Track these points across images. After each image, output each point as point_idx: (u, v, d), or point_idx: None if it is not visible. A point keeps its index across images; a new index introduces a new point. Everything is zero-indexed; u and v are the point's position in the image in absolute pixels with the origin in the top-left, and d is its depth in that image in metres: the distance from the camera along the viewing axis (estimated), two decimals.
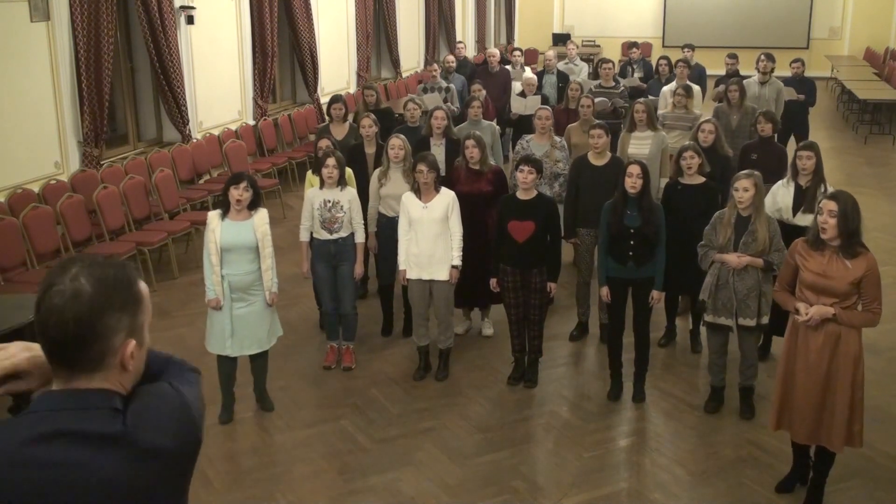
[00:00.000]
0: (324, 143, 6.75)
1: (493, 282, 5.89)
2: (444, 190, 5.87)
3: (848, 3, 20.77)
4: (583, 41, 20.52)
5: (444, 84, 10.68)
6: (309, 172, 6.74)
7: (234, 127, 10.57)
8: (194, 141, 9.67)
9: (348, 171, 6.22)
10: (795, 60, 10.73)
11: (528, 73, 11.57)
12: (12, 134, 7.29)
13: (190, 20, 9.48)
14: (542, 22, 22.48)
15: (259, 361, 5.53)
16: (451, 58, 12.23)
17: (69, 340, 1.58)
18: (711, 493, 4.74)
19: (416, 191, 5.83)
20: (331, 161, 5.89)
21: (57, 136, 7.80)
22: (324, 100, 11.44)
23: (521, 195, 5.71)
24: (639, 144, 7.28)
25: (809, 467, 4.61)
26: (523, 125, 9.36)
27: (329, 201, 5.93)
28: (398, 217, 6.00)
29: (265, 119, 11.17)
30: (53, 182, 7.65)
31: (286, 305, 6.88)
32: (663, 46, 20.09)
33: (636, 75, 12.13)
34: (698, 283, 5.48)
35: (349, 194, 5.99)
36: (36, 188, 7.49)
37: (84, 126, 7.94)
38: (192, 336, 6.40)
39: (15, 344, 1.75)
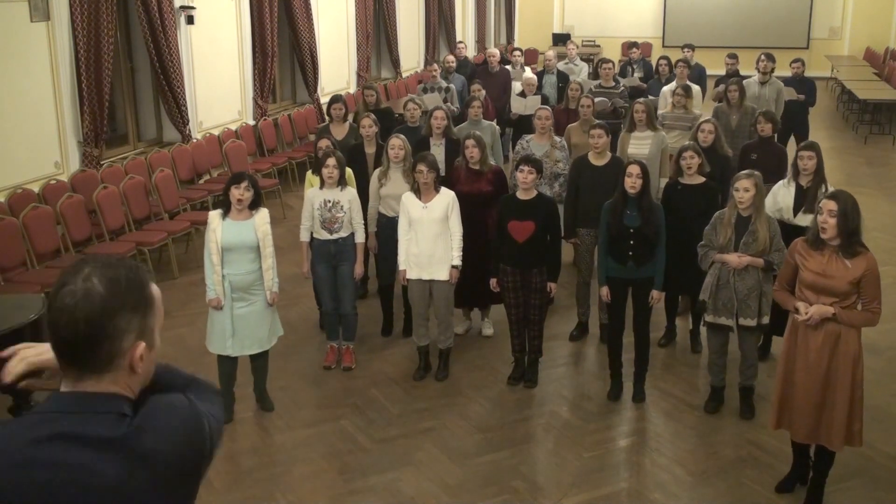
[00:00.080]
0: (324, 143, 6.75)
1: (493, 282, 5.89)
2: (443, 190, 5.87)
3: (848, 3, 20.77)
4: (583, 41, 20.52)
5: (443, 84, 10.68)
6: (309, 172, 6.74)
7: (234, 127, 10.57)
8: (194, 141, 9.67)
9: (348, 171, 6.22)
10: (795, 60, 10.74)
11: (528, 73, 11.57)
12: (12, 134, 7.29)
13: (190, 20, 9.48)
14: (542, 22, 22.48)
15: (259, 361, 5.53)
16: (451, 58, 12.23)
17: (79, 340, 1.58)
18: (711, 493, 4.74)
19: (416, 191, 5.83)
20: (331, 161, 5.89)
21: (57, 136, 7.80)
22: (324, 100, 11.44)
23: (521, 195, 5.71)
24: (638, 144, 7.28)
25: (809, 467, 4.61)
26: (523, 125, 9.36)
27: (329, 201, 5.94)
28: (398, 217, 6.00)
29: (265, 119, 11.17)
30: (53, 182, 7.65)
31: (286, 305, 6.88)
32: (663, 46, 20.09)
33: (636, 75, 12.13)
34: (698, 283, 5.48)
35: (349, 194, 5.99)
36: (36, 188, 7.49)
37: (84, 126, 7.94)
38: (192, 336, 6.40)
39: (46, 344, 1.76)
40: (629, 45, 14.57)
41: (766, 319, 5.28)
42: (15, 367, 1.74)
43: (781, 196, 5.95)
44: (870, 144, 13.98)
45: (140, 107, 9.52)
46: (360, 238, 6.07)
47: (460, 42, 14.77)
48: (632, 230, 5.49)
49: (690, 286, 5.96)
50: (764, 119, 7.27)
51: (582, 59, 13.24)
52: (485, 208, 6.24)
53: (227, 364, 5.42)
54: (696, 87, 9.41)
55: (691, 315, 6.59)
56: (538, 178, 5.78)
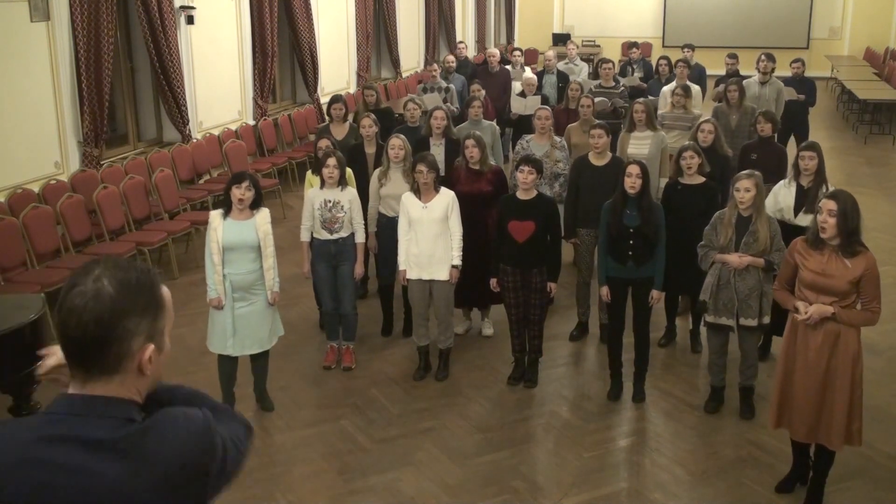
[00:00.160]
0: (324, 143, 6.75)
1: (493, 282, 5.89)
2: (443, 190, 5.87)
3: (848, 3, 20.77)
4: (583, 41, 20.53)
5: (443, 84, 10.68)
6: (309, 172, 6.74)
7: (234, 127, 10.57)
8: (194, 141, 9.67)
9: (348, 171, 6.22)
10: (795, 60, 10.74)
11: (528, 73, 11.57)
12: (12, 134, 7.29)
13: (190, 20, 9.48)
14: (542, 22, 22.48)
15: (260, 361, 5.54)
16: (451, 58, 12.23)
17: (88, 341, 1.58)
18: (711, 493, 4.74)
19: (416, 191, 5.83)
20: (331, 161, 5.90)
21: (57, 136, 7.80)
22: (324, 100, 11.44)
23: (521, 195, 5.71)
24: (638, 144, 7.28)
25: (809, 467, 4.62)
26: (523, 125, 9.36)
27: (329, 201, 5.94)
28: (398, 217, 6.00)
29: (265, 119, 11.17)
30: (53, 182, 7.64)
31: (286, 305, 6.88)
32: (663, 46, 20.09)
33: (636, 75, 12.13)
34: (698, 283, 5.48)
35: (349, 194, 5.99)
36: (36, 188, 7.49)
37: (84, 126, 7.94)
38: (192, 336, 6.40)
39: None
40: (629, 45, 14.57)
41: (766, 319, 5.28)
42: (47, 361, 1.74)
43: (782, 196, 5.95)
44: (870, 144, 13.98)
45: (140, 107, 9.52)
46: (360, 238, 6.07)
47: (461, 42, 14.77)
48: (631, 230, 5.49)
49: (690, 286, 5.96)
50: (764, 119, 7.28)
51: (582, 59, 13.24)
52: (485, 208, 6.24)
53: (228, 364, 5.43)
54: (695, 87, 9.41)
55: (691, 315, 6.60)
56: (538, 179, 5.78)
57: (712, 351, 5.57)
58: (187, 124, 9.45)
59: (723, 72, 11.50)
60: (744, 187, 5.14)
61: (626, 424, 5.50)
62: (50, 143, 7.74)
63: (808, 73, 11.17)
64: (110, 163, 8.51)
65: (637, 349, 5.71)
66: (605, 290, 5.66)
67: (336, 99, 7.94)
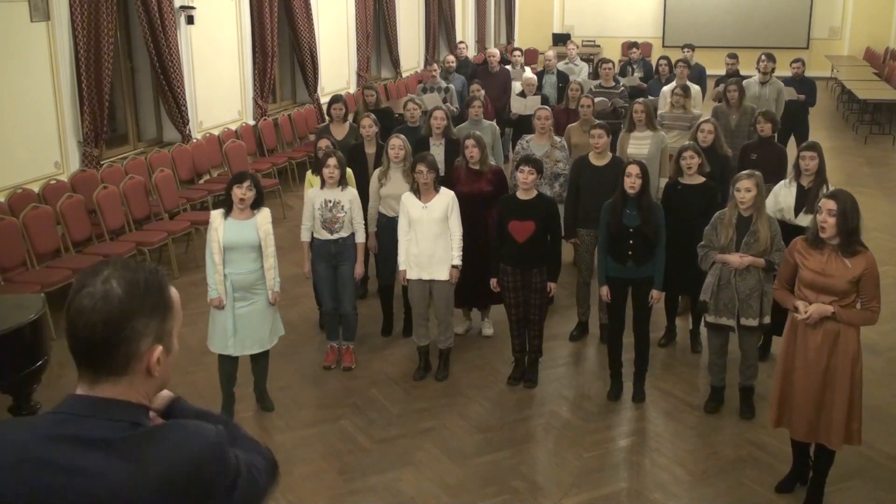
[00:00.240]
0: (323, 143, 6.76)
1: (493, 282, 5.89)
2: (443, 190, 5.87)
3: (848, 3, 20.77)
4: (583, 41, 20.52)
5: (443, 84, 10.68)
6: (308, 172, 6.75)
7: (234, 127, 10.57)
8: (194, 141, 9.67)
9: (348, 171, 6.22)
10: (796, 60, 10.74)
11: (528, 73, 11.57)
12: (12, 134, 7.29)
13: (190, 20, 9.48)
14: (542, 22, 22.48)
15: (260, 361, 5.54)
16: (451, 58, 12.23)
17: (97, 342, 1.58)
18: (711, 493, 4.74)
19: (416, 191, 5.83)
20: (332, 161, 5.90)
21: (57, 136, 7.80)
22: (324, 100, 11.44)
23: (521, 195, 5.71)
24: (638, 144, 7.28)
25: (809, 467, 4.62)
26: (523, 125, 9.36)
27: (330, 201, 5.94)
28: (398, 217, 6.00)
29: (265, 119, 11.17)
30: (53, 182, 7.65)
31: (286, 305, 6.88)
32: (663, 46, 20.09)
33: (636, 75, 12.13)
34: (698, 283, 5.48)
35: (350, 194, 5.99)
36: (36, 188, 7.49)
37: (84, 126, 7.94)
38: (192, 336, 6.40)
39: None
40: (629, 45, 14.57)
41: (767, 319, 5.28)
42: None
43: (783, 196, 5.95)
44: (870, 144, 13.98)
45: (140, 107, 9.52)
46: (360, 238, 6.07)
47: (461, 42, 14.77)
48: (631, 230, 5.49)
49: (690, 286, 5.97)
50: (763, 119, 7.28)
51: (582, 59, 13.24)
52: (485, 208, 6.24)
53: (228, 364, 5.43)
54: (695, 87, 9.41)
55: (691, 315, 6.60)
56: (538, 179, 5.78)
57: (712, 351, 5.57)
58: (187, 124, 9.45)
59: (723, 72, 11.50)
60: (744, 187, 5.14)
61: (626, 424, 5.50)
62: (50, 143, 7.74)
63: (808, 73, 11.17)
64: (110, 163, 8.51)
65: (637, 349, 5.71)
66: (604, 290, 5.66)
67: (336, 99, 7.94)
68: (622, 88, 10.17)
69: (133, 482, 1.53)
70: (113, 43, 8.20)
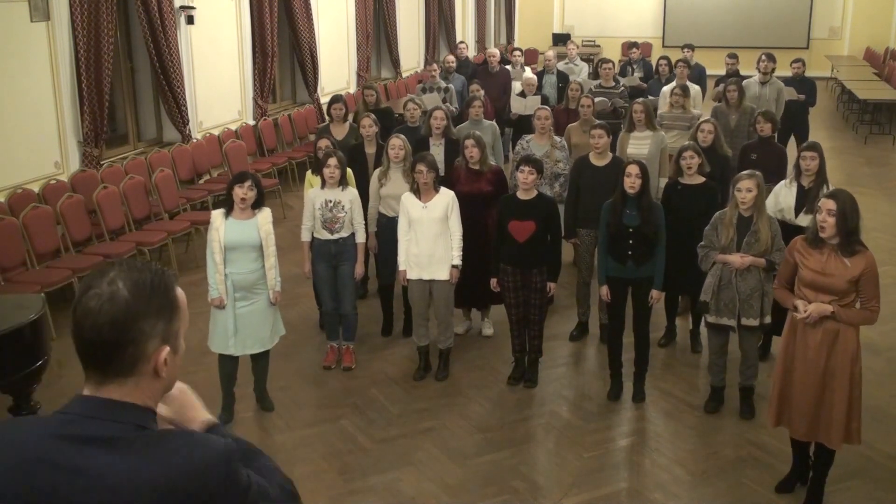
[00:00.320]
0: (323, 143, 6.76)
1: (493, 282, 5.89)
2: (443, 190, 5.87)
3: (848, 3, 20.77)
4: (583, 41, 20.52)
5: (442, 84, 10.68)
6: (308, 172, 6.75)
7: (234, 127, 10.57)
8: (194, 141, 9.67)
9: (348, 171, 6.22)
10: (796, 60, 10.74)
11: (528, 73, 11.57)
12: (12, 134, 7.29)
13: (190, 20, 9.48)
14: (542, 22, 22.48)
15: (261, 361, 5.54)
16: (451, 58, 12.23)
17: (103, 343, 1.57)
18: (711, 493, 4.74)
19: (416, 191, 5.83)
20: (332, 161, 5.90)
21: (57, 136, 7.80)
22: (324, 100, 11.44)
23: (521, 195, 5.71)
24: (638, 144, 7.29)
25: (809, 467, 4.62)
26: (523, 125, 9.35)
27: (330, 201, 5.94)
28: (398, 217, 6.00)
29: (265, 119, 11.17)
30: (53, 182, 7.65)
31: (286, 305, 6.88)
32: (663, 46, 20.08)
33: (636, 75, 12.13)
34: (698, 282, 5.48)
35: (350, 194, 5.99)
36: (36, 188, 7.49)
37: (84, 126, 7.94)
38: (192, 336, 6.37)
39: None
40: (629, 45, 14.57)
41: (768, 319, 5.29)
42: (160, 410, 1.73)
43: (783, 196, 5.95)
44: (870, 144, 13.98)
45: (140, 107, 9.52)
46: (360, 238, 6.07)
47: (461, 42, 14.77)
48: (631, 230, 5.49)
49: (690, 286, 5.97)
50: (763, 119, 7.28)
51: (582, 59, 13.24)
52: (485, 208, 6.24)
53: (228, 364, 5.43)
54: (695, 87, 9.42)
55: (691, 315, 6.60)
56: (538, 179, 5.78)
57: (712, 351, 5.57)
58: (187, 124, 9.45)
59: (723, 72, 11.50)
60: (745, 187, 5.14)
61: (626, 424, 5.50)
62: (50, 143, 7.74)
63: (808, 73, 11.17)
64: (110, 163, 8.51)
65: (637, 349, 5.71)
66: (604, 290, 5.66)
67: (336, 99, 7.94)
68: (622, 88, 10.17)
69: (133, 485, 1.53)
70: (113, 43, 8.20)
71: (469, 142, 6.29)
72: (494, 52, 12.32)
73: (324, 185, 5.99)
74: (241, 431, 5.38)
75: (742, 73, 11.05)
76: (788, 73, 10.67)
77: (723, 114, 8.44)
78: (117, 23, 8.50)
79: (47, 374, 5.20)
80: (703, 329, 6.17)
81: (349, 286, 6.10)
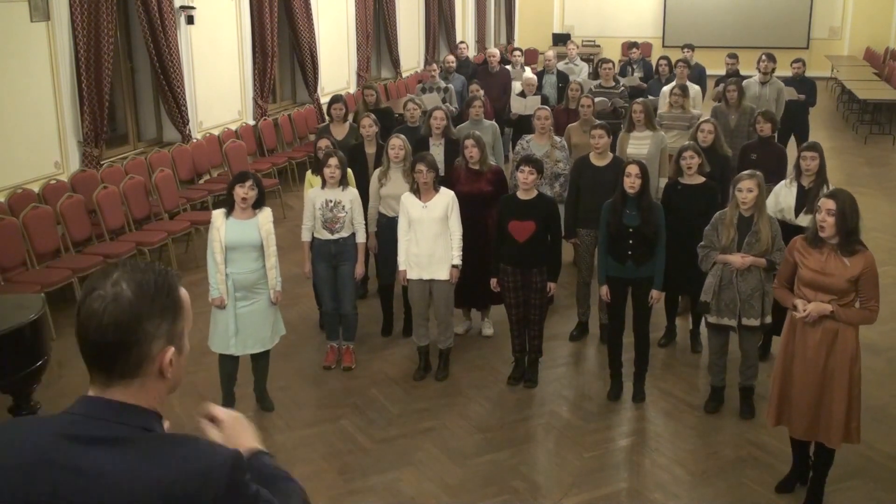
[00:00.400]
0: (323, 143, 6.76)
1: (493, 282, 5.89)
2: (443, 189, 5.88)
3: (848, 3, 20.77)
4: (583, 41, 20.51)
5: (442, 84, 10.68)
6: (308, 172, 6.75)
7: (234, 127, 10.57)
8: (194, 141, 9.67)
9: (348, 170, 6.22)
10: (796, 60, 10.74)
11: (528, 73, 11.57)
12: (12, 134, 7.29)
13: (190, 20, 9.48)
14: (542, 22, 22.48)
15: (261, 361, 5.54)
16: (451, 58, 12.23)
17: (108, 345, 1.57)
18: (711, 493, 4.74)
19: (416, 191, 5.84)
20: (333, 161, 5.90)
21: (57, 136, 7.80)
22: (324, 100, 11.44)
23: (521, 195, 5.71)
24: (637, 144, 7.29)
25: (809, 466, 4.62)
26: (523, 125, 9.35)
27: (331, 201, 5.94)
28: (398, 217, 6.00)
29: (265, 119, 11.17)
30: (53, 182, 7.64)
31: (286, 305, 6.87)
32: (663, 46, 20.08)
33: (636, 75, 12.13)
34: (698, 283, 5.48)
35: (351, 194, 5.99)
36: (36, 188, 7.49)
37: (84, 126, 7.94)
38: (192, 336, 6.30)
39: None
40: (629, 45, 14.57)
41: (768, 319, 5.29)
42: (208, 428, 1.77)
43: (783, 196, 5.95)
44: (870, 144, 13.98)
45: (140, 107, 9.52)
46: (360, 238, 6.07)
47: (461, 42, 14.77)
48: (631, 230, 5.49)
49: (690, 286, 5.97)
50: (763, 119, 7.28)
51: (582, 59, 13.24)
52: (484, 208, 6.24)
53: (229, 364, 5.43)
54: (695, 87, 9.42)
55: (691, 315, 6.60)
56: (539, 179, 5.78)
57: (713, 351, 5.57)
58: (187, 124, 9.45)
59: (723, 72, 11.50)
60: (746, 187, 5.14)
61: (626, 424, 5.50)
62: (50, 143, 7.74)
63: (809, 73, 11.17)
64: (110, 163, 8.51)
65: (637, 349, 5.71)
66: (604, 290, 5.66)
67: (336, 99, 7.94)
68: (622, 88, 10.17)
69: (133, 486, 1.52)
70: (113, 43, 8.20)
71: (469, 142, 6.29)
72: (494, 52, 12.32)
73: (324, 185, 5.99)
74: None
75: (742, 73, 11.05)
76: (788, 73, 10.67)
77: (722, 114, 8.44)
78: (117, 23, 8.50)
79: (47, 374, 5.20)
80: (703, 329, 6.17)
81: (349, 286, 6.10)
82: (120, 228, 7.91)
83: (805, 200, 5.81)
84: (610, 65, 10.35)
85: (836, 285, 4.24)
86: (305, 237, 6.13)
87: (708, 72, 11.85)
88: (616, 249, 5.56)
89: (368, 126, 6.97)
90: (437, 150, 6.92)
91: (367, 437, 5.30)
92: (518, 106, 9.99)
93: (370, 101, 8.90)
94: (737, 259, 5.20)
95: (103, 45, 7.99)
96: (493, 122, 8.16)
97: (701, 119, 7.36)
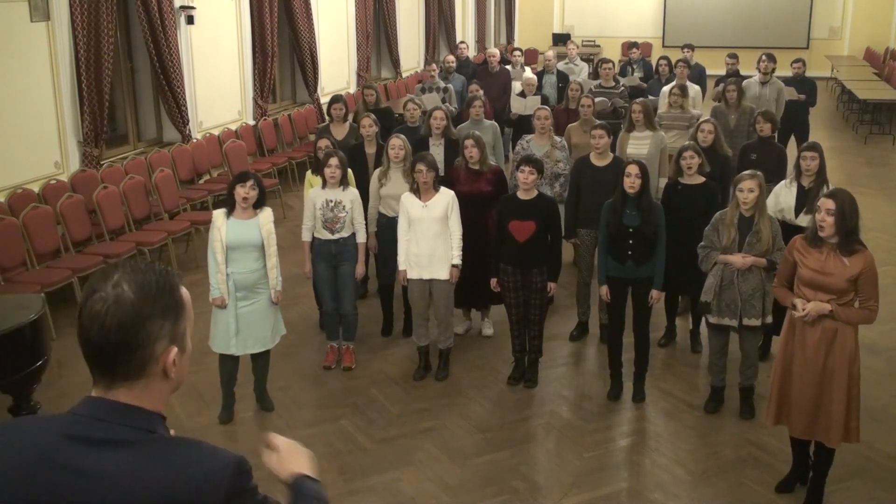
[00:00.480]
0: (323, 143, 6.76)
1: (493, 282, 5.89)
2: (443, 189, 5.88)
3: (848, 3, 20.77)
4: (583, 41, 20.51)
5: (441, 84, 10.68)
6: (308, 172, 6.75)
7: (234, 127, 10.57)
8: (194, 141, 9.67)
9: (349, 171, 6.22)
10: (796, 60, 10.74)
11: (528, 73, 11.57)
12: (12, 134, 7.29)
13: (190, 20, 9.48)
14: (542, 22, 22.48)
15: (261, 361, 5.54)
16: (451, 58, 12.23)
17: (112, 347, 1.57)
18: (711, 493, 4.74)
19: (416, 191, 5.84)
20: (334, 161, 5.90)
21: (57, 136, 7.80)
22: (324, 100, 11.44)
23: (521, 195, 5.71)
24: (637, 144, 7.29)
25: (809, 466, 4.62)
26: (523, 125, 9.35)
27: (331, 201, 5.94)
28: (398, 217, 6.00)
29: (265, 119, 11.17)
30: (53, 182, 7.64)
31: (286, 305, 6.86)
32: (663, 46, 20.08)
33: (636, 75, 12.13)
34: (698, 282, 5.48)
35: (351, 194, 6.00)
36: (36, 188, 7.49)
37: (84, 126, 7.94)
38: (192, 336, 6.40)
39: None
40: (629, 45, 14.57)
41: (769, 319, 5.29)
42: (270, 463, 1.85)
43: (783, 196, 5.95)
44: (870, 144, 13.98)
45: (140, 107, 9.52)
46: (361, 238, 6.07)
47: (462, 42, 14.77)
48: (631, 229, 5.49)
49: (690, 286, 5.97)
50: (763, 119, 7.28)
51: (582, 59, 13.23)
52: (484, 208, 6.24)
53: (229, 364, 5.43)
54: (695, 87, 9.42)
55: (691, 315, 6.60)
56: (539, 179, 5.78)
57: (713, 351, 5.57)
58: (187, 124, 9.45)
59: (723, 72, 11.50)
60: (747, 188, 5.14)
61: (626, 424, 5.50)
62: (50, 143, 7.74)
63: (809, 73, 11.16)
64: (110, 163, 8.51)
65: (637, 349, 5.71)
66: (604, 290, 5.66)
67: (336, 99, 7.94)
68: (622, 88, 10.17)
69: (134, 488, 1.52)
70: (113, 43, 8.20)
71: (469, 142, 6.29)
72: (494, 52, 12.32)
73: (324, 185, 5.99)
74: (241, 431, 5.39)
75: (742, 73, 11.05)
76: (789, 73, 10.66)
77: (722, 114, 8.44)
78: (117, 23, 8.50)
79: (47, 374, 5.20)
80: (703, 329, 6.17)
81: (349, 286, 6.10)
82: (120, 228, 7.91)
83: (805, 200, 5.81)
84: (610, 65, 10.34)
85: (836, 285, 4.24)
86: (306, 237, 6.14)
87: (708, 72, 11.85)
88: (616, 249, 5.56)
89: (368, 126, 6.97)
90: (437, 150, 6.92)
91: (367, 437, 5.30)
92: (518, 106, 9.99)
93: (370, 101, 8.90)
94: (738, 259, 5.20)
95: (103, 45, 7.99)
96: (494, 122, 8.16)
97: (701, 119, 7.37)
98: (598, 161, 6.50)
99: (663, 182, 6.65)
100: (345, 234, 5.98)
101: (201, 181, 9.64)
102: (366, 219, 6.18)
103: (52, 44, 7.64)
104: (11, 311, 4.88)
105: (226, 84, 10.51)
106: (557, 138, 7.24)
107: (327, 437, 5.30)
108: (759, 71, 9.88)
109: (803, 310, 4.29)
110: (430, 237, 5.80)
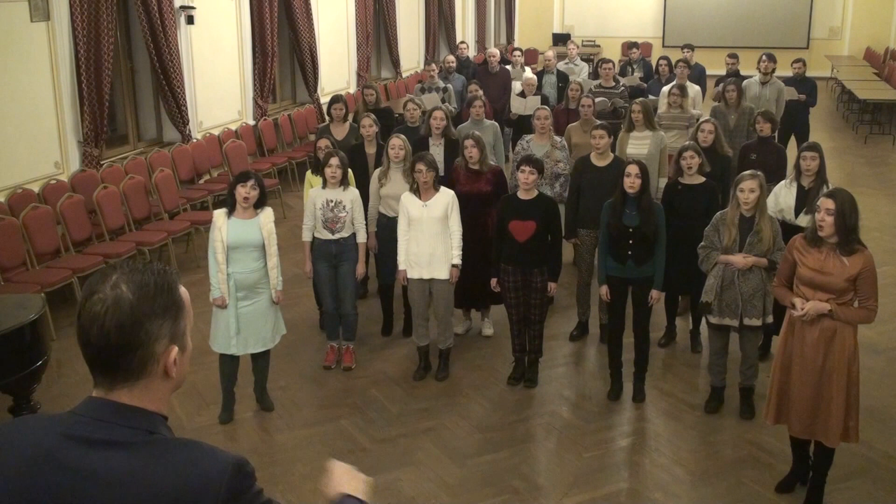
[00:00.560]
0: (323, 143, 6.76)
1: (493, 282, 5.89)
2: (443, 189, 5.88)
3: (848, 3, 20.77)
4: (583, 41, 20.51)
5: (441, 84, 10.68)
6: (308, 172, 6.75)
7: (234, 127, 10.57)
8: (194, 141, 9.67)
9: (349, 171, 6.22)
10: (797, 61, 10.74)
11: (528, 73, 11.57)
12: (12, 134, 7.29)
13: (190, 20, 9.48)
14: (542, 22, 22.49)
15: (261, 361, 5.54)
16: (451, 58, 12.23)
17: (112, 348, 1.57)
18: (711, 493, 4.74)
19: (416, 190, 5.84)
20: (334, 161, 5.90)
21: (57, 136, 7.80)
22: (324, 100, 11.44)
23: (522, 195, 5.71)
24: (637, 144, 7.29)
25: (809, 467, 4.62)
26: (523, 125, 9.36)
27: (332, 201, 5.94)
28: (398, 217, 6.00)
29: (265, 119, 11.17)
30: (53, 182, 7.64)
31: (287, 305, 6.86)
32: (663, 46, 20.09)
33: (636, 75, 12.13)
34: (698, 283, 5.48)
35: (352, 194, 6.00)
36: (36, 188, 7.49)
37: (84, 126, 7.94)
38: (192, 336, 6.37)
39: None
40: (629, 45, 14.56)
41: (770, 318, 5.29)
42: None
43: (783, 196, 5.95)
44: (870, 144, 13.98)
45: (140, 107, 9.51)
46: (361, 238, 6.07)
47: (462, 42, 14.77)
48: (631, 229, 5.49)
49: (690, 286, 5.97)
50: (763, 119, 7.28)
51: (582, 59, 13.23)
52: (484, 208, 6.24)
53: (229, 364, 5.43)
54: (695, 88, 9.42)
55: (691, 315, 6.60)
56: (539, 179, 5.78)
57: (713, 351, 5.57)
58: (187, 124, 9.45)
59: (723, 72, 11.50)
60: (748, 188, 5.14)
61: (626, 424, 5.50)
62: (50, 143, 7.74)
63: (809, 73, 11.16)
64: (110, 163, 8.51)
65: (637, 349, 5.71)
66: (604, 290, 5.66)
67: (336, 99, 7.94)
68: (622, 88, 10.17)
69: (134, 489, 1.52)
70: (113, 43, 8.20)
71: (469, 142, 6.29)
72: (494, 52, 12.32)
73: (325, 184, 5.99)
74: (241, 431, 5.39)
75: (742, 73, 11.05)
76: (789, 73, 10.66)
77: (722, 114, 8.44)
78: (117, 23, 8.50)
79: (47, 374, 5.20)
80: (703, 329, 6.17)
81: (349, 286, 6.10)
82: (120, 228, 7.91)
83: (805, 200, 5.81)
84: (610, 65, 10.34)
85: (835, 284, 4.24)
86: (306, 237, 6.14)
87: (708, 72, 11.84)
88: (616, 249, 5.56)
89: (368, 126, 6.97)
90: (436, 150, 6.92)
91: (367, 437, 5.30)
92: (518, 106, 9.99)
93: (370, 100, 8.90)
94: (739, 259, 5.21)
95: (103, 45, 7.99)
96: (494, 122, 8.16)
97: (701, 119, 7.37)
98: (599, 161, 6.50)
99: (663, 182, 6.66)
100: (345, 234, 5.98)
101: (201, 181, 9.64)
102: (366, 219, 6.18)
103: (52, 44, 7.64)
104: (11, 311, 4.88)
105: (226, 84, 10.51)
106: (557, 138, 7.24)
107: (327, 437, 5.30)
108: (760, 71, 9.88)
109: (802, 309, 4.29)
110: (430, 237, 5.80)
